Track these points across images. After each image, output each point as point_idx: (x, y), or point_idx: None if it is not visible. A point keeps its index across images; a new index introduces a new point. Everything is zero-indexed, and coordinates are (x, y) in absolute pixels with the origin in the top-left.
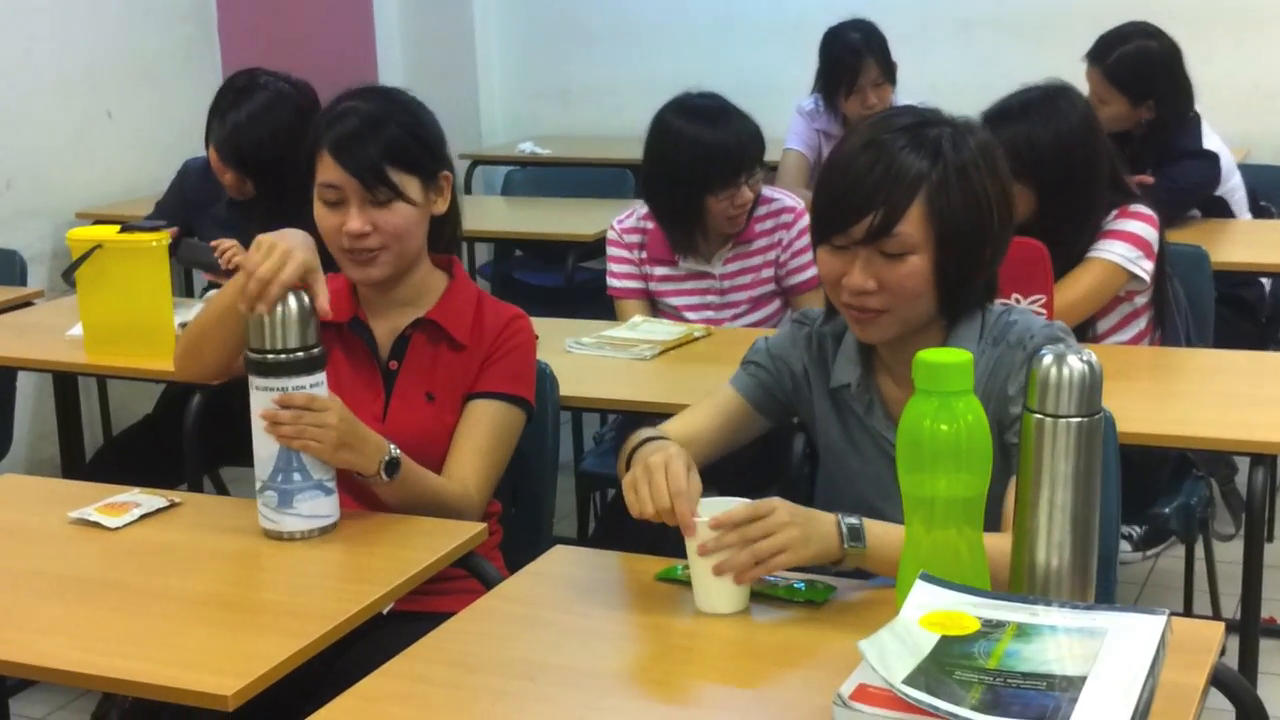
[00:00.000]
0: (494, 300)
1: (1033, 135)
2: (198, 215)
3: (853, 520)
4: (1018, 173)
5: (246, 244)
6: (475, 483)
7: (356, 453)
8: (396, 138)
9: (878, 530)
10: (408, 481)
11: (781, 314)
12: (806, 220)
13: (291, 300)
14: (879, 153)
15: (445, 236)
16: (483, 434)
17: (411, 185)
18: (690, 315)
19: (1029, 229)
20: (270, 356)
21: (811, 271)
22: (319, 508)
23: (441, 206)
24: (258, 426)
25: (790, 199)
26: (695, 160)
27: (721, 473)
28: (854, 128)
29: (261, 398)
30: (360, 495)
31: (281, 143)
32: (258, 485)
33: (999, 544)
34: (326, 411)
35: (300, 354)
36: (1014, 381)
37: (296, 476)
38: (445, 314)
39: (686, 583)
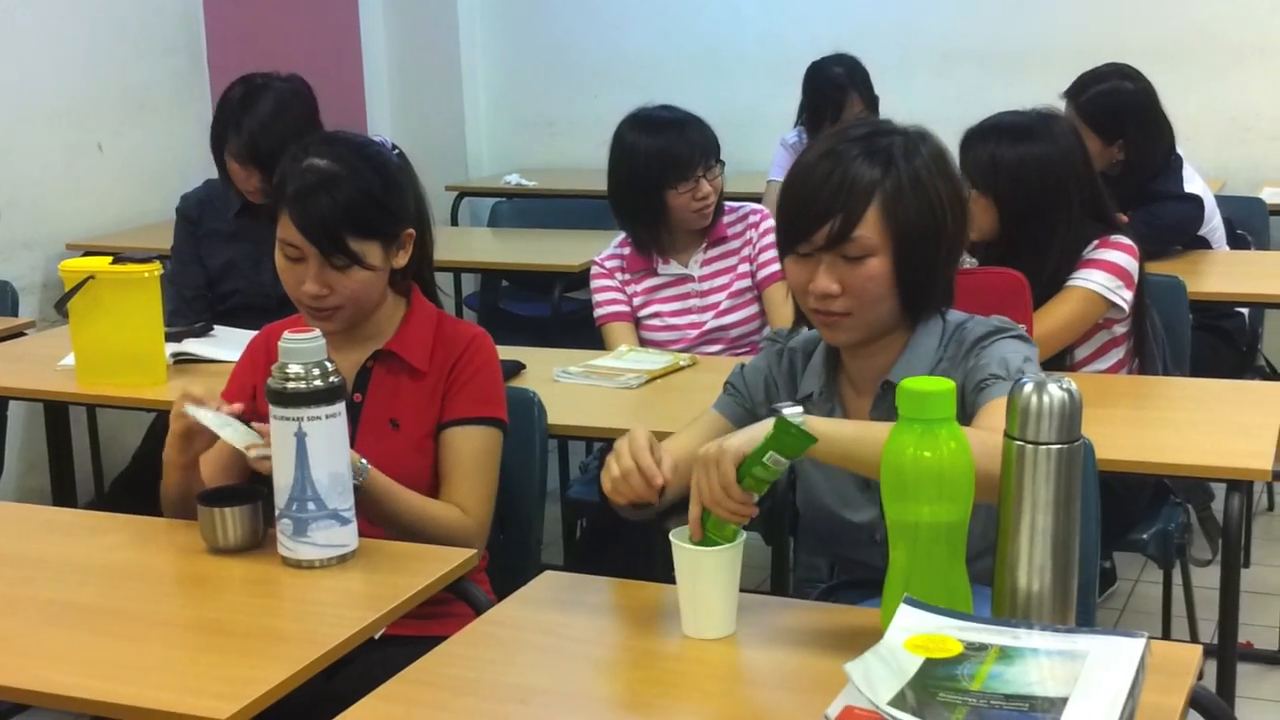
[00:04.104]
0: (453, 320)
1: (998, 153)
2: (206, 240)
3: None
4: (981, 186)
5: (262, 248)
6: (469, 506)
7: None
8: (356, 203)
9: (821, 426)
10: (388, 494)
11: (760, 314)
12: (771, 221)
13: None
14: (835, 162)
15: (408, 276)
16: (464, 460)
17: (371, 250)
18: (675, 320)
19: (993, 246)
20: (290, 386)
21: (777, 266)
22: (334, 537)
23: (402, 260)
24: (277, 455)
25: (755, 204)
26: (650, 159)
27: None
28: (813, 142)
29: (281, 427)
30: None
31: (302, 136)
32: (276, 513)
33: (978, 436)
34: None
35: (319, 383)
36: (959, 369)
37: (311, 506)
38: (403, 343)
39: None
